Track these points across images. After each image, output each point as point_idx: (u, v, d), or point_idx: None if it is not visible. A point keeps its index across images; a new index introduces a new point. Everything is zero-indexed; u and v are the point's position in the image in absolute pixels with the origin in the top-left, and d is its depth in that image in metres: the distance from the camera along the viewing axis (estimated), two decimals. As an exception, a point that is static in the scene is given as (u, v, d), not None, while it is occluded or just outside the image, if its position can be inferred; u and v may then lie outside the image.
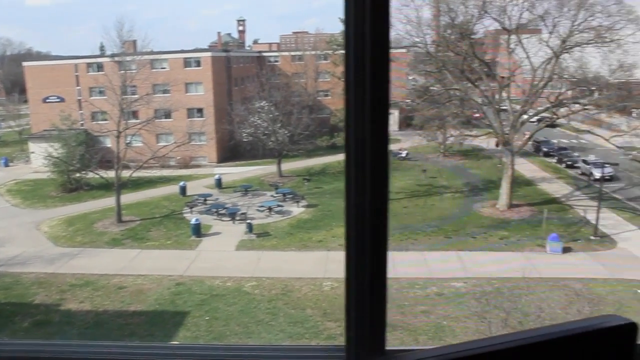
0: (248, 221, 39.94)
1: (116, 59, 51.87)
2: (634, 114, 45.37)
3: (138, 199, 48.51)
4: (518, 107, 45.26)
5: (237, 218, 41.82)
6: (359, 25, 1.36)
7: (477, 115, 51.18)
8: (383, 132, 1.43)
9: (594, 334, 1.07)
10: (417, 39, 47.19)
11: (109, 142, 57.76)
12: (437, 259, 33.66)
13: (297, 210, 44.42)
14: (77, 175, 51.21)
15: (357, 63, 1.38)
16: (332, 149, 55.64)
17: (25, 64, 71.17)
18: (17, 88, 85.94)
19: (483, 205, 43.41)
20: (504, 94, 46.19)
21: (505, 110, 45.55)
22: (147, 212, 45.10)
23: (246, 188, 49.93)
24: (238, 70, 72.58)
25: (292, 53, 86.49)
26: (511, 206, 42.11)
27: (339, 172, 50.09)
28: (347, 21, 1.37)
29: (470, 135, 48.80)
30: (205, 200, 46.46)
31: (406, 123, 65.47)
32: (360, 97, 1.39)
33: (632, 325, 1.09)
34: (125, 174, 44.03)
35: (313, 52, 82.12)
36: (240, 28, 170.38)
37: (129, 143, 45.63)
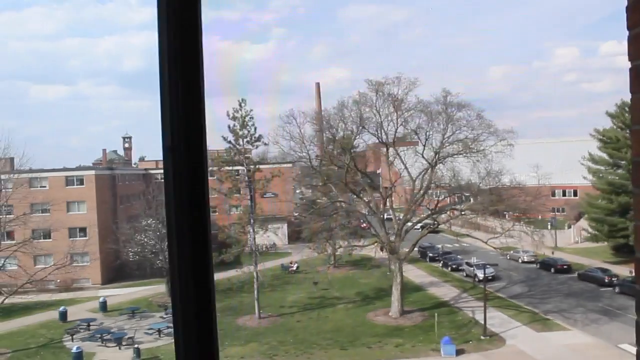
0: (135, 346, 37.63)
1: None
2: (506, 217, 48.73)
3: (11, 328, 44.47)
4: (401, 215, 47.21)
5: (124, 343, 39.33)
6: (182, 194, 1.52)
7: (363, 225, 52.70)
8: (206, 259, 1.54)
9: None
10: (302, 154, 48.87)
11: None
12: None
13: (188, 330, 42.47)
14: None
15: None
16: (221, 265, 54.58)
17: None
18: None
19: (376, 314, 43.82)
20: (388, 204, 48.21)
21: (389, 219, 47.30)
22: (21, 343, 41.28)
23: (133, 310, 47.44)
24: (124, 188, 71.05)
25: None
26: (403, 312, 42.85)
27: (229, 288, 49.03)
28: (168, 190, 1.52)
29: (358, 246, 49.86)
30: (89, 325, 43.48)
31: (295, 236, 66.12)
32: (181, 222, 1.52)
33: None
34: (-3, 300, 40.52)
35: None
36: (127, 145, 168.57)
37: (2, 266, 42.46)
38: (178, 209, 1.50)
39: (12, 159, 54.15)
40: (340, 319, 43.33)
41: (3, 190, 46.66)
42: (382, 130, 46.78)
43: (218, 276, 55.70)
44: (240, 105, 48.13)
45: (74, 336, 41.40)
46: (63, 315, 46.36)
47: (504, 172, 45.05)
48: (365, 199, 48.50)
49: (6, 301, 41.61)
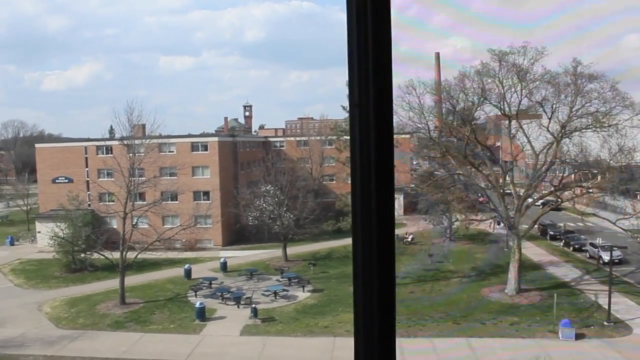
0: (253, 305, 39.34)
1: (125, 142, 52.71)
2: (639, 197, 45.33)
3: (142, 281, 48.11)
4: (522, 191, 45.49)
5: (242, 302, 41.25)
6: (363, 110, 1.48)
7: (481, 199, 51.32)
8: (389, 218, 1.51)
9: None
10: (420, 125, 48.00)
11: (115, 223, 57.94)
12: (447, 347, 32.89)
13: (302, 295, 43.84)
14: (82, 255, 51.16)
15: (362, 150, 1.49)
16: (338, 233, 55.63)
17: (37, 145, 72.77)
18: (28, 168, 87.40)
19: (491, 290, 42.81)
20: (508, 178, 46.54)
21: (509, 194, 45.72)
22: (151, 295, 44.57)
23: (251, 272, 49.53)
24: (244, 155, 73.67)
25: (298, 138, 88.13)
26: (520, 291, 41.55)
27: (345, 256, 49.63)
28: (351, 105, 1.50)
29: (476, 220, 48.73)
30: (210, 283, 46.00)
31: (411, 207, 65.66)
32: (366, 182, 1.49)
33: None
34: (131, 255, 43.82)
35: (318, 138, 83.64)
36: (247, 113, 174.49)
37: (135, 224, 45.66)
38: (364, 164, 1.51)
39: (144, 126, 57.57)
40: (454, 293, 42.77)
41: (136, 154, 49.70)
42: (505, 102, 44.87)
43: (335, 244, 56.91)
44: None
45: (197, 293, 44.03)
46: (188, 273, 49.33)
47: (639, 148, 41.92)
48: (484, 172, 47.14)
49: (139, 256, 44.88)
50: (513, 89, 44.14)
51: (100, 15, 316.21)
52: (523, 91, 43.82)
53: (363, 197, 1.50)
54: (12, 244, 66.30)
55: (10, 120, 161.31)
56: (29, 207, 75.77)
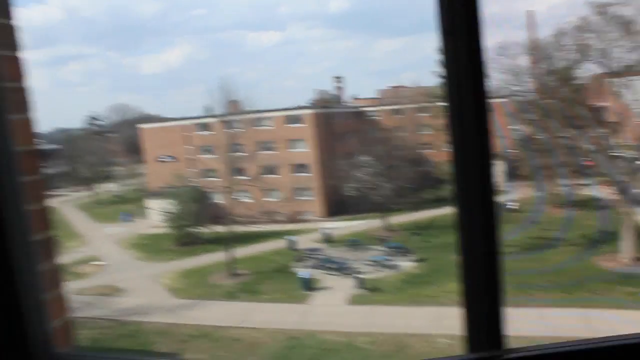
0: (358, 276, 39.94)
1: (222, 119, 54.18)
2: None
3: (249, 253, 49.83)
4: (633, 152, 43.20)
5: (347, 272, 41.97)
6: (461, 79, 1.50)
7: (588, 163, 49.18)
8: (489, 182, 1.52)
9: None
10: (517, 88, 46.45)
11: (219, 198, 60.14)
12: (558, 317, 32.10)
13: (406, 264, 44.02)
14: (191, 230, 53.54)
15: (459, 116, 1.51)
16: (438, 201, 55.04)
17: (141, 126, 76.34)
18: (135, 148, 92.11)
19: (603, 258, 41.16)
20: (616, 140, 44.29)
21: (618, 156, 43.52)
22: (258, 266, 46.20)
23: (354, 242, 50.08)
24: (339, 126, 73.84)
25: (391, 107, 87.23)
26: (636, 259, 39.72)
27: (447, 225, 49.06)
28: (447, 76, 1.50)
29: (583, 184, 46.82)
30: (314, 254, 47.01)
31: (512, 173, 63.89)
32: (463, 147, 1.50)
33: None
34: (236, 228, 45.24)
35: (412, 106, 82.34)
36: (338, 84, 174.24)
37: (237, 199, 47.12)
38: (458, 95, 1.50)
39: (238, 102, 59.00)
40: (562, 261, 41.50)
41: (233, 130, 50.94)
42: (608, 59, 42.47)
43: (436, 212, 56.37)
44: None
45: (302, 263, 45.15)
46: (291, 244, 50.63)
47: None
48: (590, 134, 45.06)
49: (242, 229, 46.44)
50: (617, 44, 41.62)
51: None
52: (628, 45, 41.26)
53: (461, 126, 1.51)
54: (127, 220, 70.37)
55: (116, 105, 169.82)
56: (138, 186, 79.91)
